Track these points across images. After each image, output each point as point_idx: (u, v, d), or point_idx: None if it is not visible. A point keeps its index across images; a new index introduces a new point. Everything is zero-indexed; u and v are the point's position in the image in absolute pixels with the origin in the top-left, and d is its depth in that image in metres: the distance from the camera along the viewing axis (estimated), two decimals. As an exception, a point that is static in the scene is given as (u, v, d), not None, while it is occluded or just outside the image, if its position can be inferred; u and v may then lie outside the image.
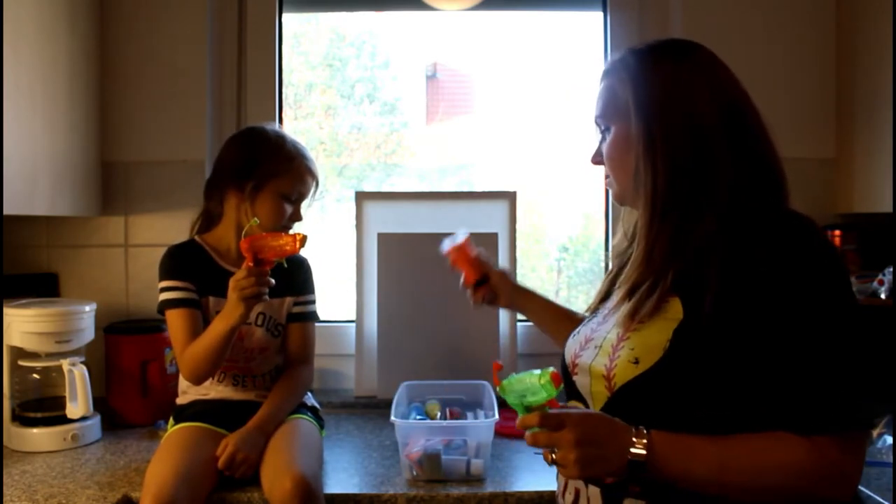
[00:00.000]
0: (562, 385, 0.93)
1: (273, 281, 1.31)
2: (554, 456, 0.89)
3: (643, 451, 0.86)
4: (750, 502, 0.87)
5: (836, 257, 0.90)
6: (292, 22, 2.09)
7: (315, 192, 1.55)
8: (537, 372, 0.93)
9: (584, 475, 0.88)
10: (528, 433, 0.91)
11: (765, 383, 0.87)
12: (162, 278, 1.46)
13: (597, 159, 1.09)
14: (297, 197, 1.49)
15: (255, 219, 1.30)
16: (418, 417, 1.53)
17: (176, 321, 1.42)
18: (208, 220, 1.55)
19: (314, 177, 1.52)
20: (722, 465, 0.86)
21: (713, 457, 0.86)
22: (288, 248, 1.29)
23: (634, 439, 0.86)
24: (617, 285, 1.06)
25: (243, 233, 1.28)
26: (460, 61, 2.28)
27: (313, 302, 1.60)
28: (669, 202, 0.95)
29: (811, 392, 0.85)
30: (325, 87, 2.18)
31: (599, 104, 1.05)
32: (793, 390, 0.85)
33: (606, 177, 1.08)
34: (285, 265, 1.35)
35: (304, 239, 1.30)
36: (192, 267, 1.46)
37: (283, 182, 1.46)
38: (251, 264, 1.27)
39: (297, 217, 1.51)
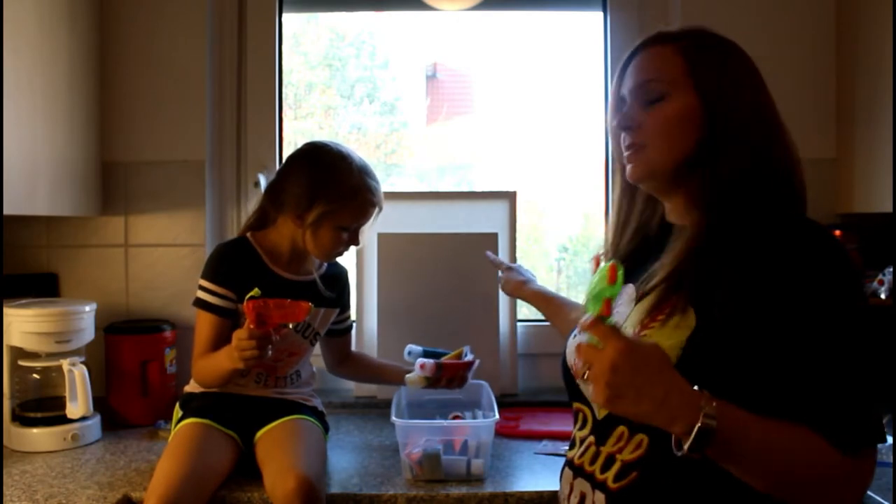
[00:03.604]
0: (619, 280, 0.84)
1: (277, 338, 1.29)
2: (587, 373, 0.82)
3: (713, 424, 0.77)
4: (767, 489, 0.84)
5: (851, 265, 0.89)
6: (292, 22, 2.09)
7: (377, 216, 1.51)
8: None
9: (609, 405, 0.80)
10: (577, 343, 0.85)
11: (790, 393, 0.85)
12: (204, 276, 1.43)
13: (631, 124, 0.99)
14: (356, 227, 1.47)
15: (257, 289, 1.26)
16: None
17: (202, 324, 1.42)
18: (263, 219, 1.51)
19: (377, 206, 1.48)
20: (765, 446, 0.82)
21: (759, 436, 0.82)
22: (292, 317, 1.28)
23: (702, 407, 0.77)
24: (638, 280, 1.02)
25: (247, 297, 1.25)
26: (460, 61, 2.28)
27: (349, 316, 1.68)
28: (727, 193, 0.93)
29: (845, 404, 0.84)
30: (325, 87, 2.18)
31: (658, 68, 0.98)
32: (826, 401, 0.83)
33: (635, 146, 0.99)
34: (290, 326, 1.37)
35: (309, 309, 1.29)
36: (241, 270, 1.43)
37: (344, 216, 1.44)
38: (252, 326, 1.25)
39: (354, 243, 1.49)
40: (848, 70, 1.81)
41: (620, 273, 0.84)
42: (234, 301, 1.42)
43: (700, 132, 0.96)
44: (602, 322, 0.82)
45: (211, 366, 1.38)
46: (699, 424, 0.77)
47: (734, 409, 0.80)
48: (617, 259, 1.05)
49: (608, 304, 0.83)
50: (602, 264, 0.86)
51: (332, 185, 1.43)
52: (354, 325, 1.88)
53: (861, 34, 1.75)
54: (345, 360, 1.69)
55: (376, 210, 1.49)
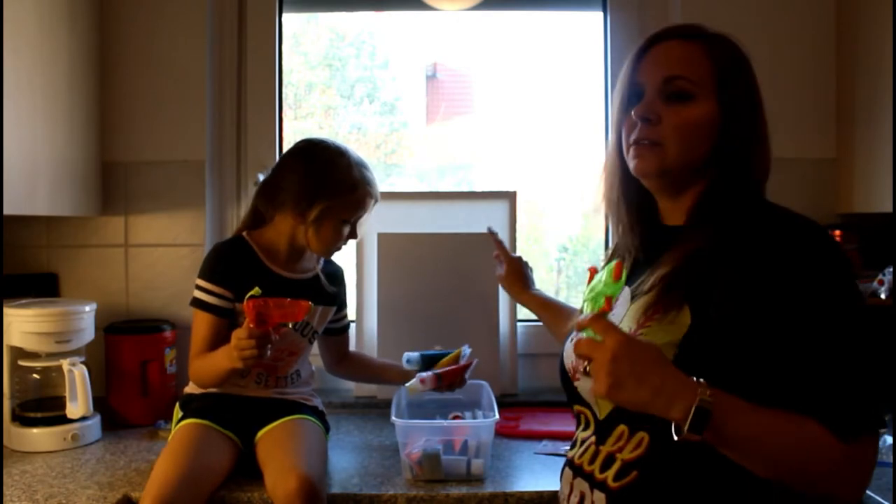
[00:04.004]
0: (622, 279, 0.88)
1: (277, 338, 1.28)
2: (587, 366, 0.85)
3: (709, 404, 0.80)
4: (766, 475, 0.85)
5: (847, 261, 0.91)
6: (292, 22, 2.09)
7: (373, 209, 1.53)
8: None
9: (610, 396, 0.82)
10: (576, 339, 0.87)
11: (787, 383, 0.86)
12: (201, 276, 1.43)
13: (651, 117, 0.97)
14: (356, 219, 1.49)
15: (258, 288, 1.25)
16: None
17: (199, 324, 1.42)
18: (258, 218, 1.52)
19: (375, 198, 1.51)
20: (760, 431, 0.83)
21: (754, 421, 0.83)
22: (292, 316, 1.28)
23: (698, 389, 0.81)
24: (633, 282, 1.03)
25: (247, 296, 1.25)
26: (460, 61, 2.28)
27: (346, 315, 1.67)
28: (732, 200, 0.96)
29: (843, 390, 0.84)
30: (325, 87, 2.18)
31: (689, 67, 0.97)
32: (823, 388, 0.84)
33: (649, 141, 0.98)
34: (290, 326, 1.37)
35: (309, 308, 1.29)
36: (238, 269, 1.43)
37: (346, 210, 1.45)
38: (252, 325, 1.24)
39: (353, 236, 1.51)
40: (848, 70, 1.81)
41: (625, 272, 0.88)
42: (232, 301, 1.42)
43: (713, 140, 0.97)
44: (603, 317, 0.85)
45: (209, 366, 1.37)
46: (696, 403, 0.79)
47: (730, 395, 0.83)
48: (631, 255, 1.06)
49: (609, 301, 0.87)
50: (606, 266, 0.89)
51: (332, 182, 1.43)
52: (354, 324, 1.89)
53: (861, 34, 1.75)
54: (343, 360, 1.69)
55: (374, 202, 1.51)
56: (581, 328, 0.87)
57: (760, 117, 1.00)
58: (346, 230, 1.48)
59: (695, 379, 0.82)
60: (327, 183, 1.43)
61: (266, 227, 1.50)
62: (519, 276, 1.61)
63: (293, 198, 1.44)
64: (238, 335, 1.26)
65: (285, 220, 1.47)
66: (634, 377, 0.81)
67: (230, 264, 1.44)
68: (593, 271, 0.94)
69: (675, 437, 0.82)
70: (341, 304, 1.63)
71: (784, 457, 0.84)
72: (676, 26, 1.03)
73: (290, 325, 1.38)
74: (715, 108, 0.97)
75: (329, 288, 1.53)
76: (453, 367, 1.53)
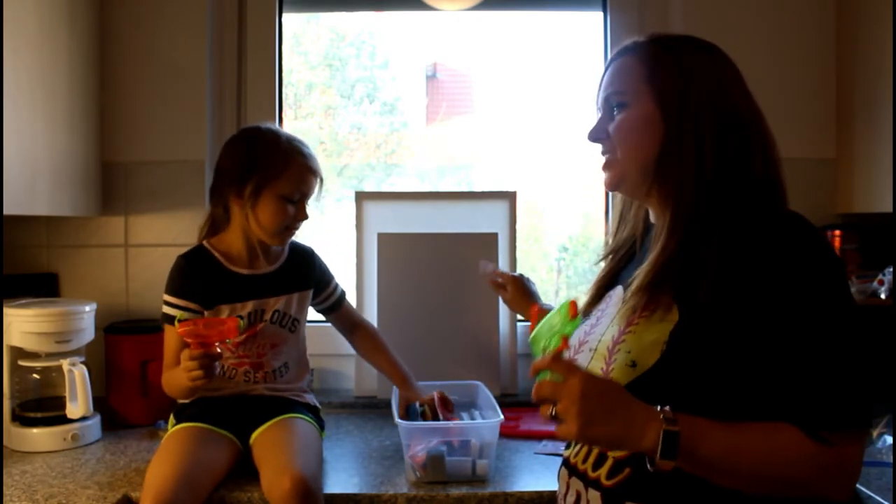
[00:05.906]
0: (578, 317, 0.89)
1: (223, 355, 1.29)
2: (554, 409, 0.84)
3: (676, 427, 0.81)
4: (750, 490, 0.86)
5: (834, 255, 0.90)
6: (292, 22, 2.09)
7: (321, 188, 1.52)
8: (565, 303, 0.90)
9: (583, 434, 0.83)
10: (535, 384, 0.87)
11: (768, 381, 0.86)
12: (167, 291, 1.45)
13: (599, 136, 1.03)
14: (299, 197, 1.46)
15: (183, 312, 1.28)
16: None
17: (169, 337, 1.44)
18: (215, 225, 1.51)
19: (315, 174, 1.48)
20: (732, 448, 0.84)
21: (724, 439, 0.84)
22: (225, 334, 1.29)
23: (662, 416, 0.83)
24: (626, 281, 1.04)
25: (176, 320, 1.28)
26: (460, 61, 2.28)
27: (337, 285, 1.65)
28: (691, 192, 0.95)
29: (819, 388, 0.84)
30: (325, 87, 2.18)
31: (619, 80, 1.01)
32: (800, 387, 0.84)
33: (605, 157, 1.03)
34: (229, 342, 1.40)
35: (237, 324, 1.30)
36: (202, 278, 1.44)
37: (282, 184, 1.43)
38: (196, 351, 1.26)
39: (302, 216, 1.48)
40: (848, 70, 1.81)
41: (581, 312, 0.92)
42: (200, 312, 1.43)
43: (660, 137, 0.97)
44: (561, 357, 0.86)
45: (174, 380, 1.39)
46: (663, 428, 0.81)
47: (693, 417, 0.84)
48: (613, 260, 1.07)
49: (566, 340, 0.88)
50: (561, 303, 0.91)
51: (263, 155, 1.43)
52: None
53: (861, 34, 1.75)
54: (353, 332, 1.68)
55: (317, 180, 1.49)
56: (539, 370, 0.88)
57: (708, 104, 0.96)
58: (290, 209, 1.44)
59: (657, 408, 0.84)
60: (258, 158, 1.42)
61: (224, 232, 1.50)
62: (524, 293, 1.60)
63: (230, 182, 1.43)
64: (183, 357, 1.28)
65: (235, 213, 1.46)
66: (604, 412, 0.83)
67: (192, 276, 1.44)
68: (536, 313, 0.95)
69: (650, 468, 0.83)
70: (321, 283, 1.61)
71: (763, 471, 0.84)
72: (620, 48, 1.05)
73: (230, 342, 1.41)
74: (651, 107, 0.98)
75: (295, 278, 1.52)
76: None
